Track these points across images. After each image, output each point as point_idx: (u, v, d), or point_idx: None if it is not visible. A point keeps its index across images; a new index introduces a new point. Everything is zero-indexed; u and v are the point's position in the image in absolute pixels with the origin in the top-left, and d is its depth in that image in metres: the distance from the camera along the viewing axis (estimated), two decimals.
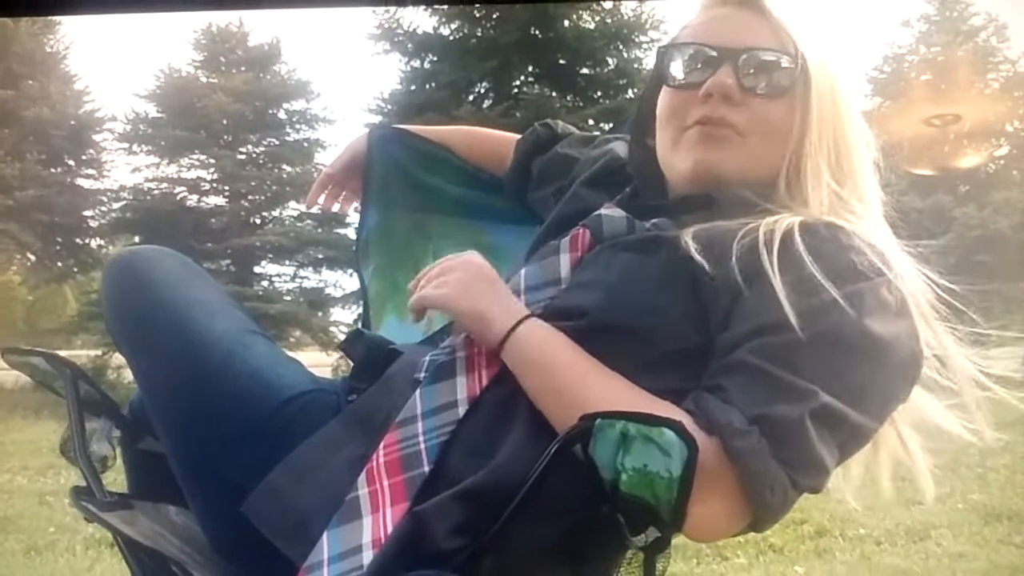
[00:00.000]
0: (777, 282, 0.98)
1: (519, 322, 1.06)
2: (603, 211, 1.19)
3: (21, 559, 3.69)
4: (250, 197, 15.62)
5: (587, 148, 1.46)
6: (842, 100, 1.17)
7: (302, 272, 15.48)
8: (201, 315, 1.22)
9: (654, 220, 1.16)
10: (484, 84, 12.14)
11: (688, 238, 1.06)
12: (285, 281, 15.57)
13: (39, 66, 16.67)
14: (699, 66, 1.16)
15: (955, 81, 14.68)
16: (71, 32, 17.33)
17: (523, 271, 1.16)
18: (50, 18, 16.77)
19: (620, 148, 1.37)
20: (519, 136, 1.59)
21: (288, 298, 14.86)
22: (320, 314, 14.90)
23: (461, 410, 1.04)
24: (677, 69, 1.19)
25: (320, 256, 14.90)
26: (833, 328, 0.97)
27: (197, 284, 1.29)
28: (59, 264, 17.22)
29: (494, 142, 1.64)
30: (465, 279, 1.11)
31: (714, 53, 1.15)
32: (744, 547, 3.69)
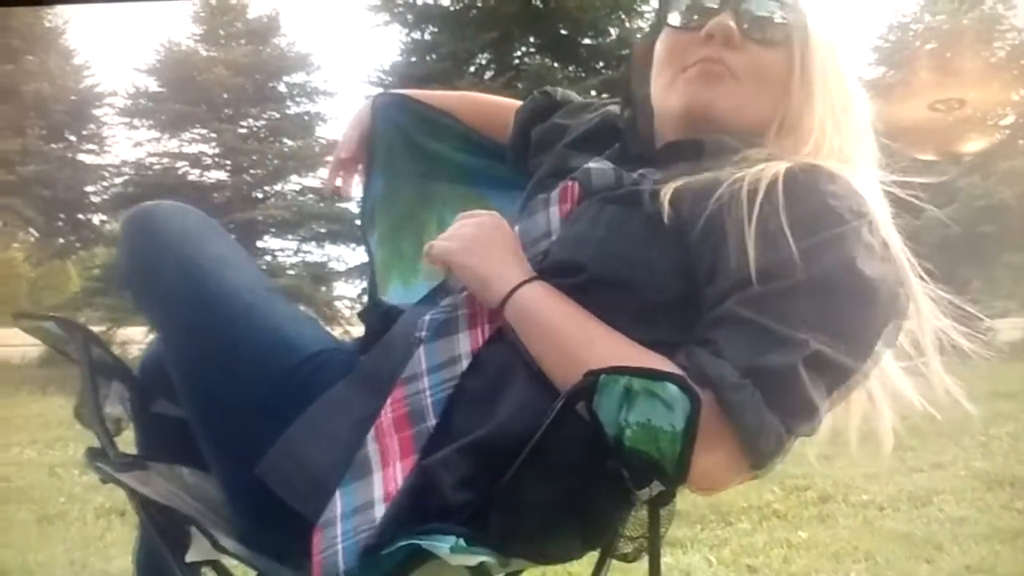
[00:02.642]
0: (759, 231, 0.98)
1: (520, 284, 1.07)
2: (592, 164, 1.20)
3: (33, 528, 3.72)
4: (252, 171, 15.58)
5: (585, 113, 1.47)
6: (837, 45, 1.20)
7: (305, 246, 15.46)
8: (223, 268, 1.23)
9: (641, 170, 1.17)
10: (485, 55, 12.09)
11: (667, 191, 1.06)
12: (288, 255, 15.56)
13: (38, 41, 16.61)
14: (701, 6, 1.19)
15: (960, 50, 14.58)
16: (69, 7, 17.24)
17: (517, 228, 1.17)
18: None
19: (614, 109, 1.39)
20: (520, 103, 1.59)
21: (291, 272, 14.84)
22: (324, 288, 14.90)
23: (464, 364, 1.06)
24: (679, 11, 1.21)
25: (323, 230, 14.87)
26: (819, 273, 0.97)
27: (218, 240, 1.30)
28: (61, 240, 17.22)
29: (497, 109, 1.64)
30: (474, 236, 1.13)
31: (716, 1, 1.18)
32: (748, 512, 3.72)
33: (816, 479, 4.17)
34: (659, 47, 1.24)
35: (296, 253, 15.55)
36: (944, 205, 12.53)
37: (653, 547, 1.14)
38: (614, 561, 1.31)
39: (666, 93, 1.21)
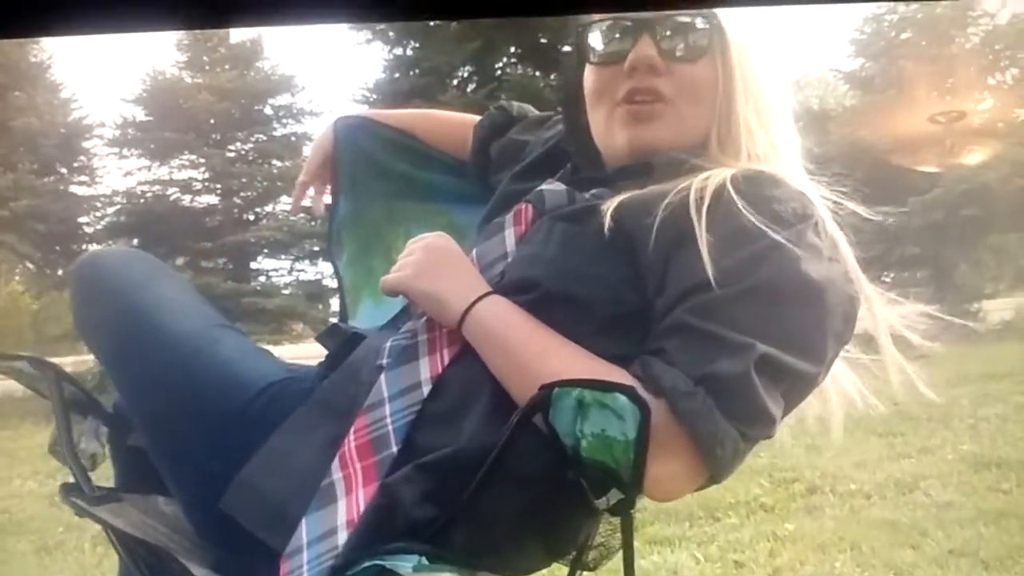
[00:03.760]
0: (705, 239, 0.99)
1: (476, 300, 1.08)
2: (545, 186, 1.21)
3: (33, 559, 3.75)
4: (242, 194, 15.57)
5: (541, 129, 1.47)
6: (759, 50, 1.19)
7: (298, 265, 15.44)
8: (169, 314, 1.24)
9: (593, 191, 1.18)
10: (467, 68, 12.08)
11: (610, 206, 1.07)
12: (282, 275, 15.54)
13: (25, 77, 16.57)
14: (618, 36, 1.18)
15: (935, 37, 14.60)
16: (54, 41, 17.23)
17: (474, 251, 1.18)
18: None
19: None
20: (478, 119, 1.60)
21: (286, 292, 14.83)
22: (320, 306, 14.88)
23: (425, 390, 1.06)
24: (597, 45, 1.21)
25: (315, 248, 14.84)
26: (766, 278, 0.98)
27: (164, 283, 1.31)
28: (59, 272, 17.18)
29: (454, 126, 1.65)
30: (423, 261, 1.13)
31: (629, 23, 1.17)
32: (736, 508, 3.73)
33: (804, 471, 4.17)
34: (587, 82, 1.23)
35: (290, 272, 15.54)
36: (927, 191, 12.57)
37: (627, 554, 1.09)
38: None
39: (605, 129, 1.21)
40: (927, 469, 4.30)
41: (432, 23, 12.13)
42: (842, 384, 1.17)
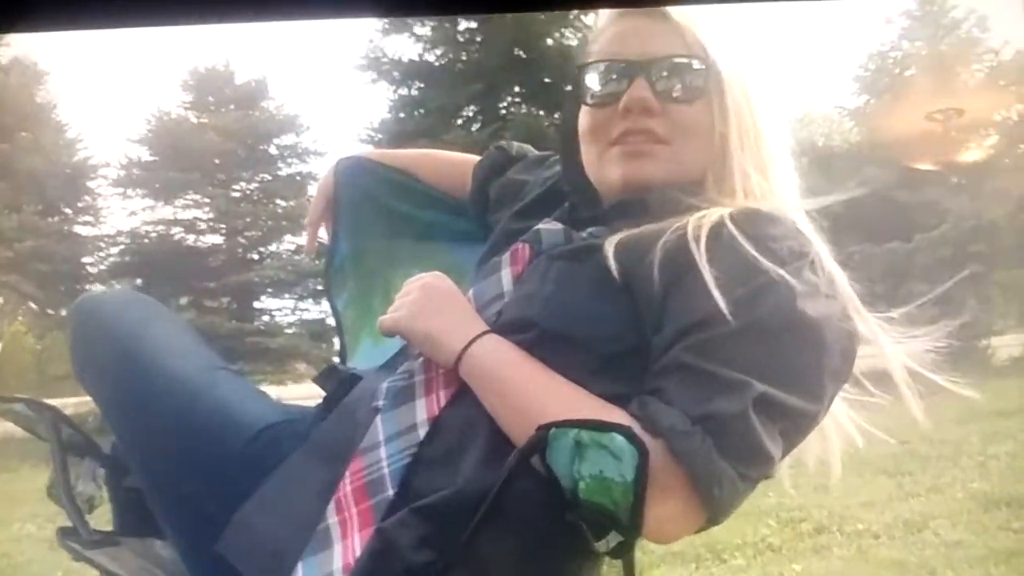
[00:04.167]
0: (703, 277, 0.99)
1: (473, 340, 1.07)
2: (542, 225, 1.21)
3: None
4: (246, 233, 15.67)
5: (540, 169, 1.47)
6: (755, 91, 1.20)
7: (302, 304, 15.49)
8: (166, 357, 1.24)
9: (590, 229, 1.18)
10: (472, 107, 12.18)
11: (610, 245, 1.07)
12: (286, 314, 15.59)
13: (31, 118, 16.73)
14: (614, 78, 1.19)
15: (940, 74, 14.69)
16: (60, 82, 17.44)
17: (471, 291, 1.18)
18: (39, 69, 16.85)
19: None
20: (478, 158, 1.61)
21: (290, 331, 14.87)
22: (323, 345, 14.88)
23: (422, 432, 1.05)
24: (593, 86, 1.21)
25: (319, 287, 14.85)
26: (762, 316, 0.98)
27: (161, 325, 1.31)
28: (63, 312, 17.22)
29: (454, 165, 1.66)
30: (420, 301, 1.13)
31: (624, 64, 1.18)
32: (742, 548, 3.70)
33: (812, 510, 4.14)
34: (582, 123, 1.24)
35: (294, 311, 15.60)
36: (934, 227, 12.58)
37: None
38: None
39: (600, 168, 1.21)
40: (936, 508, 4.26)
41: (436, 62, 12.26)
42: (840, 420, 1.16)
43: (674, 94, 1.17)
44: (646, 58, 1.17)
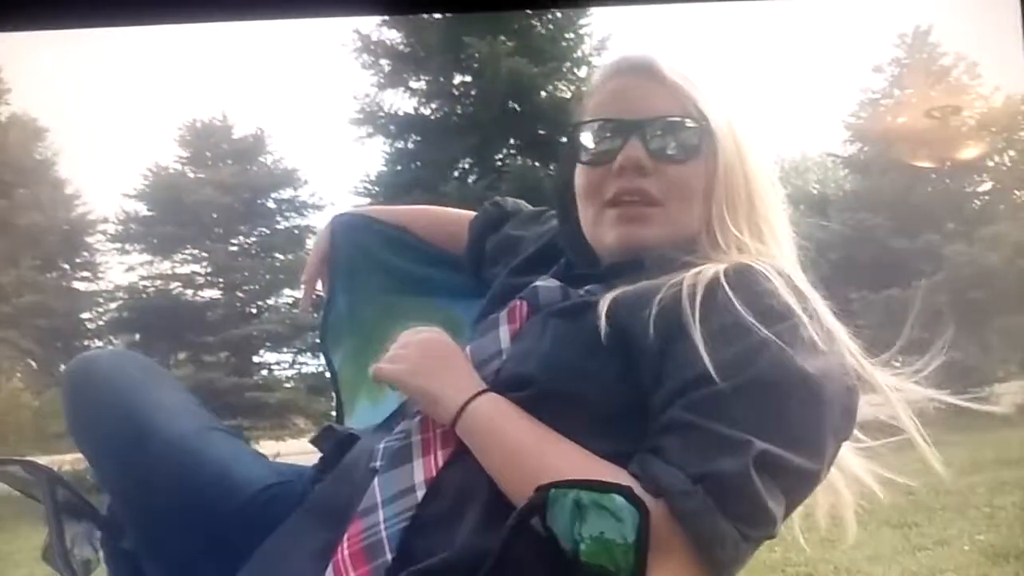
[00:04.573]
0: (700, 334, 0.99)
1: (471, 398, 1.06)
2: (539, 282, 1.21)
3: None
4: (245, 287, 15.70)
5: (535, 224, 1.48)
6: (747, 148, 1.20)
7: (300, 358, 15.48)
8: (162, 417, 1.23)
9: (587, 287, 1.18)
10: (468, 160, 12.28)
11: (604, 303, 1.07)
12: (284, 368, 15.59)
13: (29, 174, 16.82)
14: (608, 136, 1.20)
15: (931, 121, 14.81)
16: (59, 139, 17.55)
17: (469, 348, 1.17)
18: (38, 126, 16.98)
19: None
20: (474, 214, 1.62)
21: (288, 385, 14.85)
22: (322, 399, 14.84)
23: (419, 494, 1.04)
24: (587, 144, 1.22)
25: (317, 340, 14.88)
26: (760, 372, 0.97)
27: (156, 385, 1.31)
28: (61, 368, 17.19)
29: (451, 221, 1.66)
30: (419, 356, 1.12)
31: (619, 123, 1.19)
32: None
33: (818, 564, 4.08)
34: (578, 181, 1.24)
35: (292, 365, 15.58)
36: (931, 274, 12.59)
37: None
38: None
39: (596, 229, 1.22)
40: (943, 562, 4.21)
41: (432, 115, 12.35)
42: (856, 474, 1.15)
43: (668, 152, 1.17)
44: (640, 117, 1.18)
